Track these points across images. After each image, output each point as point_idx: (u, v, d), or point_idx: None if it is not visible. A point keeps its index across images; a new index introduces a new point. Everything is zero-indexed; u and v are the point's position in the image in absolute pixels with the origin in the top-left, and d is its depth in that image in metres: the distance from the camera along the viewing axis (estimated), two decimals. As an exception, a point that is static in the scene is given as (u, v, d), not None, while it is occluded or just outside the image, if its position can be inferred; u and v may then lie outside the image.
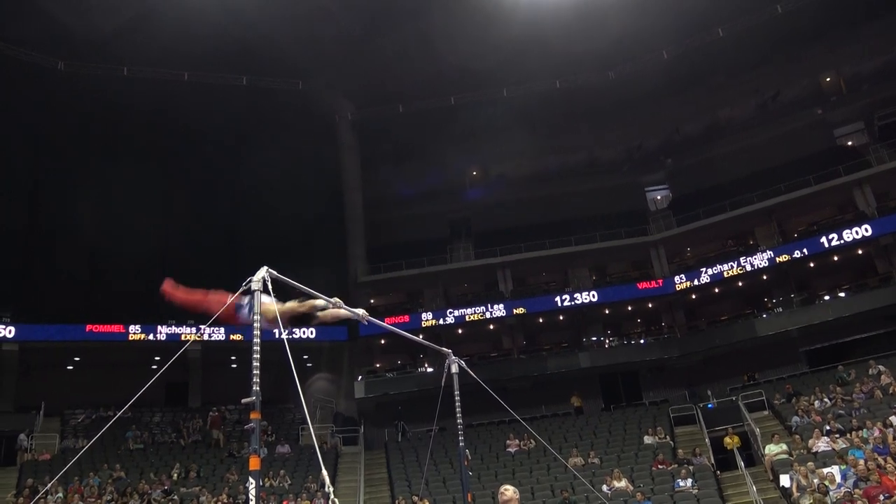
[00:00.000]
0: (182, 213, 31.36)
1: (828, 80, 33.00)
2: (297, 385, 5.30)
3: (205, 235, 30.39)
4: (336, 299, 5.82)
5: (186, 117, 29.77)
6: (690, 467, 19.27)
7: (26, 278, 28.32)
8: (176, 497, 19.38)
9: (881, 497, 14.13)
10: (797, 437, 19.08)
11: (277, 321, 5.40)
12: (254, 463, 4.47)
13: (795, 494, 16.00)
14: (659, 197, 36.00)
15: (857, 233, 26.20)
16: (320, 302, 5.80)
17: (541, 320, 31.04)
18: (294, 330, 27.56)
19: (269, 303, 5.33)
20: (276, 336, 5.53)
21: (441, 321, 29.71)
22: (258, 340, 4.86)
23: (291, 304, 5.77)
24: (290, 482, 21.08)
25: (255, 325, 4.87)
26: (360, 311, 6.27)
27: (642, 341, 30.09)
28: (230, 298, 5.60)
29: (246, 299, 5.66)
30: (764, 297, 29.55)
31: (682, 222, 30.80)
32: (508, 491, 6.15)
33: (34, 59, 28.12)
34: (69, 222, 29.05)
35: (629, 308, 31.09)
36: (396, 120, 33.66)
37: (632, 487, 18.42)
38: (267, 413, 26.05)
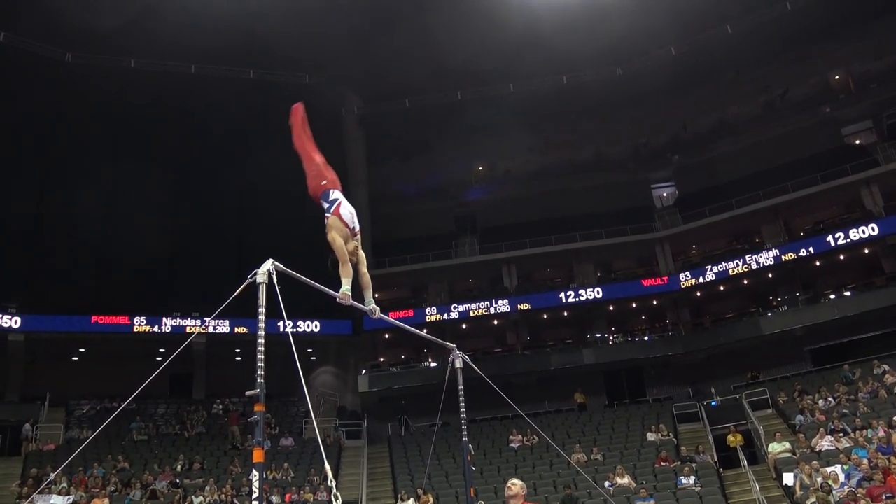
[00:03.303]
0: (187, 205, 31.39)
1: (836, 78, 32.86)
2: (301, 378, 5.30)
3: (210, 227, 30.39)
4: (344, 292, 5.83)
5: (192, 111, 29.78)
6: (693, 465, 19.26)
7: (32, 269, 28.38)
8: (181, 489, 19.43)
9: (884, 496, 14.10)
10: (801, 435, 19.06)
11: (331, 246, 5.96)
12: (257, 455, 4.47)
13: (798, 493, 15.98)
14: (665, 194, 35.92)
15: (863, 232, 26.10)
16: (346, 285, 5.95)
17: (545, 316, 31.05)
18: (298, 323, 27.64)
19: (340, 227, 6.03)
20: (280, 329, 5.53)
21: (445, 316, 29.75)
22: (263, 334, 4.86)
23: (348, 247, 6.05)
24: (293, 475, 21.15)
25: (260, 317, 4.84)
26: (375, 307, 6.29)
27: (646, 338, 30.10)
28: (324, 182, 6.34)
29: (334, 195, 6.30)
30: (769, 296, 29.48)
31: (688, 219, 30.75)
32: (515, 486, 6.14)
33: (42, 50, 28.15)
34: (75, 214, 29.10)
35: (634, 305, 31.07)
36: (402, 115, 33.60)
37: (634, 484, 18.41)
38: (271, 406, 26.09)
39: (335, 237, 6.03)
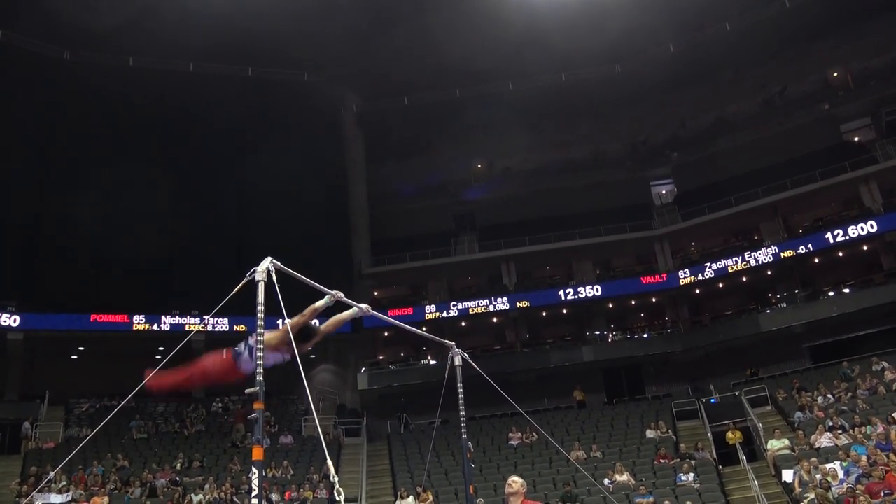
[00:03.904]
0: (186, 204, 31.40)
1: (835, 75, 32.85)
2: (301, 376, 5.28)
3: (209, 226, 30.39)
4: (337, 292, 5.69)
5: (191, 110, 29.77)
6: (692, 462, 19.28)
7: (31, 267, 28.36)
8: (181, 487, 19.43)
9: (883, 493, 14.12)
10: (800, 432, 19.09)
11: (286, 342, 5.22)
12: (257, 453, 4.47)
13: (797, 490, 16.01)
14: (664, 191, 35.93)
15: (862, 229, 26.14)
16: (319, 303, 5.51)
17: (544, 314, 31.07)
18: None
19: (268, 333, 5.08)
20: (280, 328, 5.50)
21: (444, 314, 29.75)
22: (262, 331, 4.86)
23: (291, 321, 5.36)
24: (292, 473, 21.15)
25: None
26: (363, 306, 6.12)
27: (645, 335, 30.11)
28: (224, 353, 5.45)
29: (241, 344, 5.50)
30: (768, 293, 29.50)
31: (687, 217, 30.74)
32: (516, 483, 6.11)
33: (40, 48, 28.12)
34: (74, 212, 29.09)
35: (633, 302, 31.10)
36: (401, 113, 33.63)
37: (634, 481, 18.43)
38: (270, 404, 26.10)
39: (298, 322, 5.44)
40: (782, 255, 27.42)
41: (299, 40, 29.35)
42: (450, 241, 33.01)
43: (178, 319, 27.61)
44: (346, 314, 5.94)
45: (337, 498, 4.43)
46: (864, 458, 15.81)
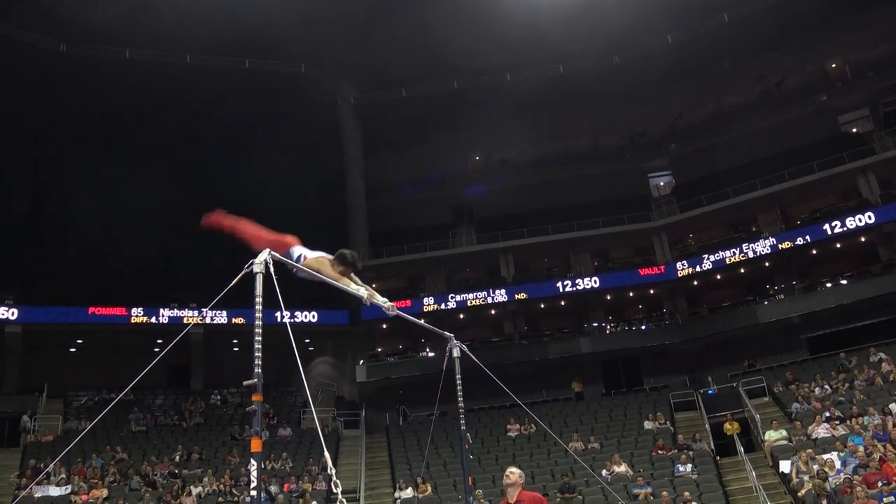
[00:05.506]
0: (183, 196, 31.30)
1: (833, 66, 32.80)
2: (299, 368, 5.29)
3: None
4: (366, 288, 5.83)
5: (188, 102, 29.64)
6: (690, 453, 19.33)
7: (29, 261, 28.33)
8: (179, 480, 19.46)
9: (880, 483, 14.18)
10: (797, 423, 19.13)
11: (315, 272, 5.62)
12: (255, 445, 4.47)
13: (795, 480, 16.06)
14: (662, 183, 35.90)
15: (860, 220, 26.14)
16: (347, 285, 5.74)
17: (542, 306, 31.07)
18: (296, 313, 27.65)
19: (315, 263, 5.65)
20: (278, 320, 5.53)
21: (443, 306, 29.75)
22: (260, 323, 4.85)
23: (329, 273, 5.71)
24: (291, 465, 21.19)
25: (258, 306, 4.82)
26: (364, 294, 6.14)
27: (643, 327, 30.15)
28: (286, 239, 5.93)
29: (297, 254, 5.84)
30: (766, 284, 29.53)
31: (685, 209, 30.74)
32: (514, 474, 6.13)
33: (36, 40, 28.00)
34: (72, 205, 29.05)
35: (631, 294, 31.09)
36: (399, 105, 33.52)
37: (632, 472, 18.48)
38: (269, 396, 26.16)
39: (319, 267, 5.73)
40: (780, 246, 27.43)
41: (297, 32, 29.24)
42: (448, 234, 32.99)
43: (176, 312, 27.62)
44: (351, 288, 5.93)
45: (335, 490, 4.44)
46: (861, 448, 15.87)
